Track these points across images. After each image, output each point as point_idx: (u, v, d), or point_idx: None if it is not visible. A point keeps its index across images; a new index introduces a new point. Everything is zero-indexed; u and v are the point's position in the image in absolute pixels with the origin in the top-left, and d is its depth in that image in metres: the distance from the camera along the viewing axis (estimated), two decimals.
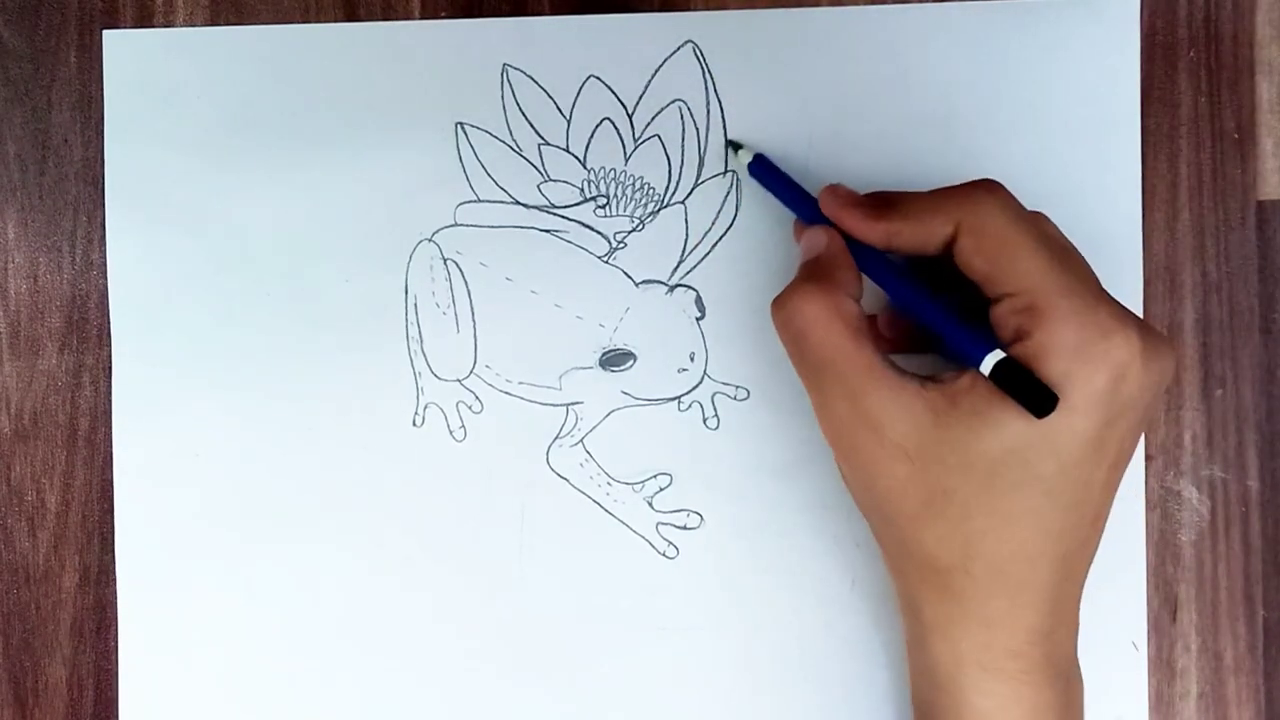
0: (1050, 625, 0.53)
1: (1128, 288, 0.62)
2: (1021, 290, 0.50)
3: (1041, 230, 0.52)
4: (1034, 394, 0.48)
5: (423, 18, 0.63)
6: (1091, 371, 0.49)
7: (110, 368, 0.63)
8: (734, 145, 0.62)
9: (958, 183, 0.54)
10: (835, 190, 0.56)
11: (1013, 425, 0.50)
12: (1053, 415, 0.49)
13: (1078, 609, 0.55)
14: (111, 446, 0.63)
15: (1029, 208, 0.52)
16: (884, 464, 0.52)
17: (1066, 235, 0.53)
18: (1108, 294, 0.51)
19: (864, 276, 0.55)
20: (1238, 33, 0.63)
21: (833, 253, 0.55)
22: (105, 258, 0.63)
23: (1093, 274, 0.52)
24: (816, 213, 0.57)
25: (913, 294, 0.54)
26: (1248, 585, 0.62)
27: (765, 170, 0.60)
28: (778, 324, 0.54)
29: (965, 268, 0.52)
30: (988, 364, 0.49)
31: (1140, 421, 0.52)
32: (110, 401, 0.63)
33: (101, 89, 0.63)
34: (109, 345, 0.63)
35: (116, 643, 0.63)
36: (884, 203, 0.55)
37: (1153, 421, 0.62)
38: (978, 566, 0.52)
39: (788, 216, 0.61)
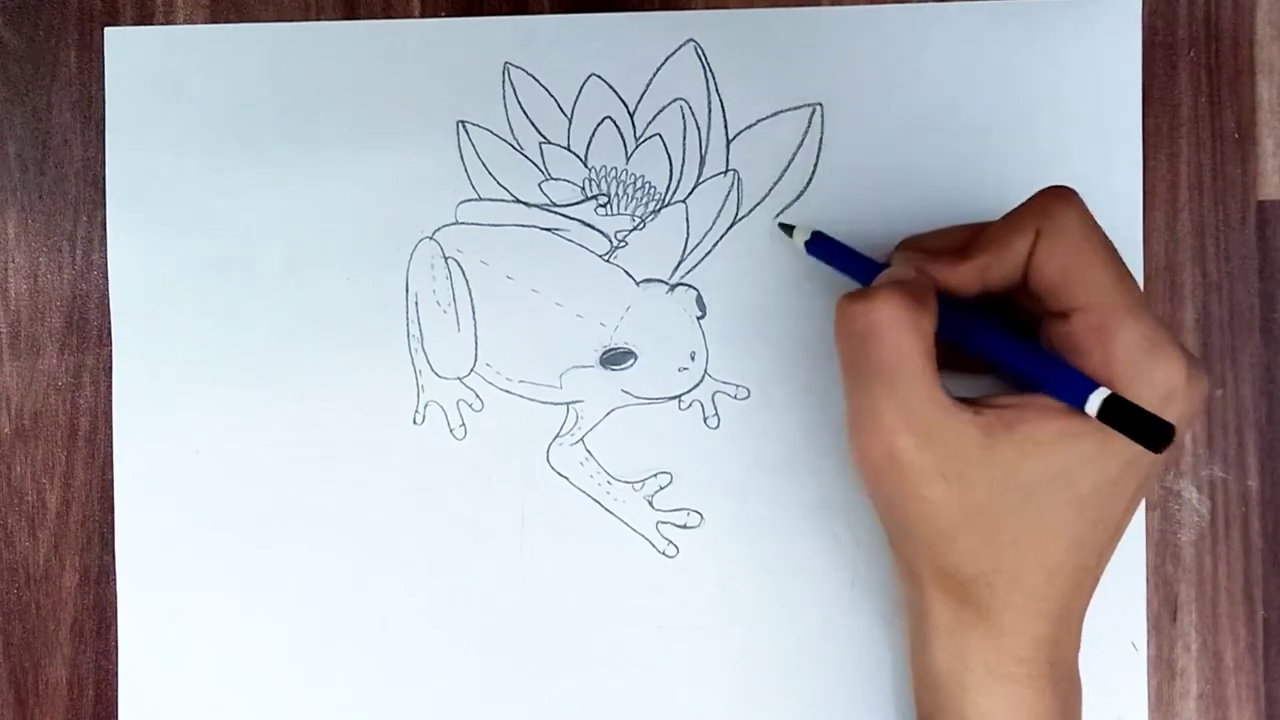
0: (1058, 634, 0.53)
1: None
2: (1092, 305, 0.50)
3: (1110, 245, 0.52)
4: (1147, 427, 0.48)
5: (422, 16, 0.63)
6: (1147, 393, 0.49)
7: (110, 368, 0.63)
8: (786, 228, 0.61)
9: (1029, 194, 0.54)
10: (908, 248, 0.56)
11: (1067, 450, 0.50)
12: (1110, 445, 0.50)
13: (1083, 619, 0.55)
14: (111, 446, 0.63)
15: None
16: (921, 485, 0.51)
17: None
18: (1155, 316, 0.51)
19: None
20: (1238, 33, 0.63)
21: (922, 282, 0.53)
22: (105, 258, 0.63)
23: (1141, 291, 0.52)
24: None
25: (1001, 340, 0.53)
26: (1248, 585, 0.62)
27: (825, 245, 0.60)
28: (846, 315, 0.52)
29: (1036, 276, 0.52)
30: (1094, 403, 0.49)
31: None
32: (110, 401, 0.63)
33: (101, 89, 0.63)
34: (109, 345, 0.63)
35: (116, 643, 0.63)
36: (961, 244, 0.54)
37: None
38: (1000, 578, 0.52)
39: (786, 215, 0.62)
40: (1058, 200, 0.52)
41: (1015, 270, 0.52)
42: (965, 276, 0.53)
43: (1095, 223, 0.52)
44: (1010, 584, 0.52)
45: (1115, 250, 0.52)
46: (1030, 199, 0.53)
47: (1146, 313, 0.51)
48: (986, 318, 0.54)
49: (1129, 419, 0.48)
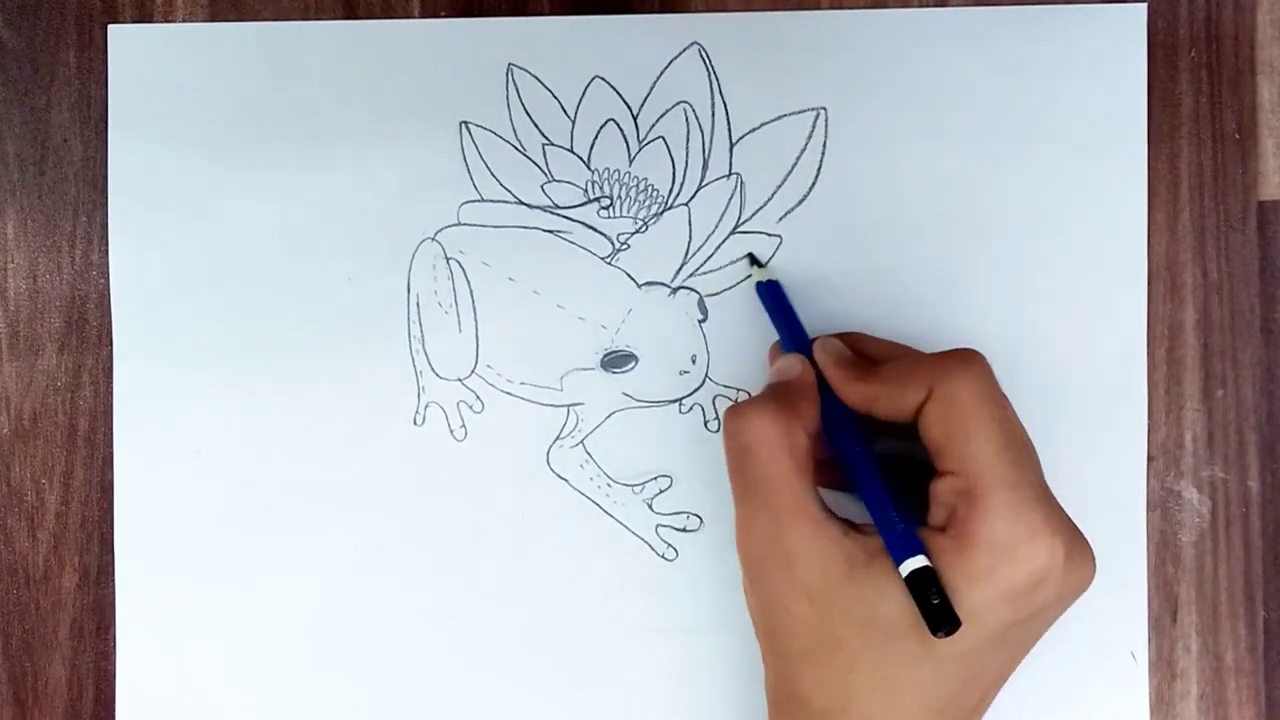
0: None
1: (1130, 289, 0.62)
2: (965, 473, 0.51)
3: (1004, 415, 0.52)
4: (939, 610, 0.48)
5: (422, 16, 0.63)
6: (1011, 571, 0.49)
7: (110, 368, 0.63)
8: (755, 260, 0.62)
9: (937, 350, 0.55)
10: (828, 343, 0.57)
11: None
12: (966, 601, 0.49)
13: None
14: (111, 447, 0.63)
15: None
16: (785, 598, 0.52)
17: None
18: (1048, 492, 0.52)
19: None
20: (1239, 33, 0.63)
21: (802, 383, 0.56)
22: (105, 258, 0.63)
23: (1039, 469, 0.52)
24: (800, 346, 0.59)
25: (859, 462, 0.54)
26: (1248, 586, 0.62)
27: (772, 296, 0.61)
28: (728, 432, 0.54)
29: (924, 433, 0.53)
30: (906, 568, 0.49)
31: (1047, 624, 0.52)
32: (110, 401, 0.63)
33: (101, 88, 0.63)
34: (109, 345, 0.63)
35: (116, 643, 0.63)
36: (868, 367, 0.56)
37: (1154, 421, 0.62)
38: (852, 718, 0.51)
39: (789, 219, 0.61)
40: (956, 364, 0.53)
41: (903, 415, 0.54)
42: (854, 395, 0.55)
43: (991, 390, 0.52)
44: None
45: (1010, 421, 0.52)
46: (934, 355, 0.54)
47: (1028, 489, 0.51)
48: (861, 436, 0.55)
49: (930, 597, 0.49)
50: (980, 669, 0.51)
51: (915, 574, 0.49)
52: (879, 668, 0.51)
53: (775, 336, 0.60)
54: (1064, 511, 0.51)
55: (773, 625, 0.53)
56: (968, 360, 0.53)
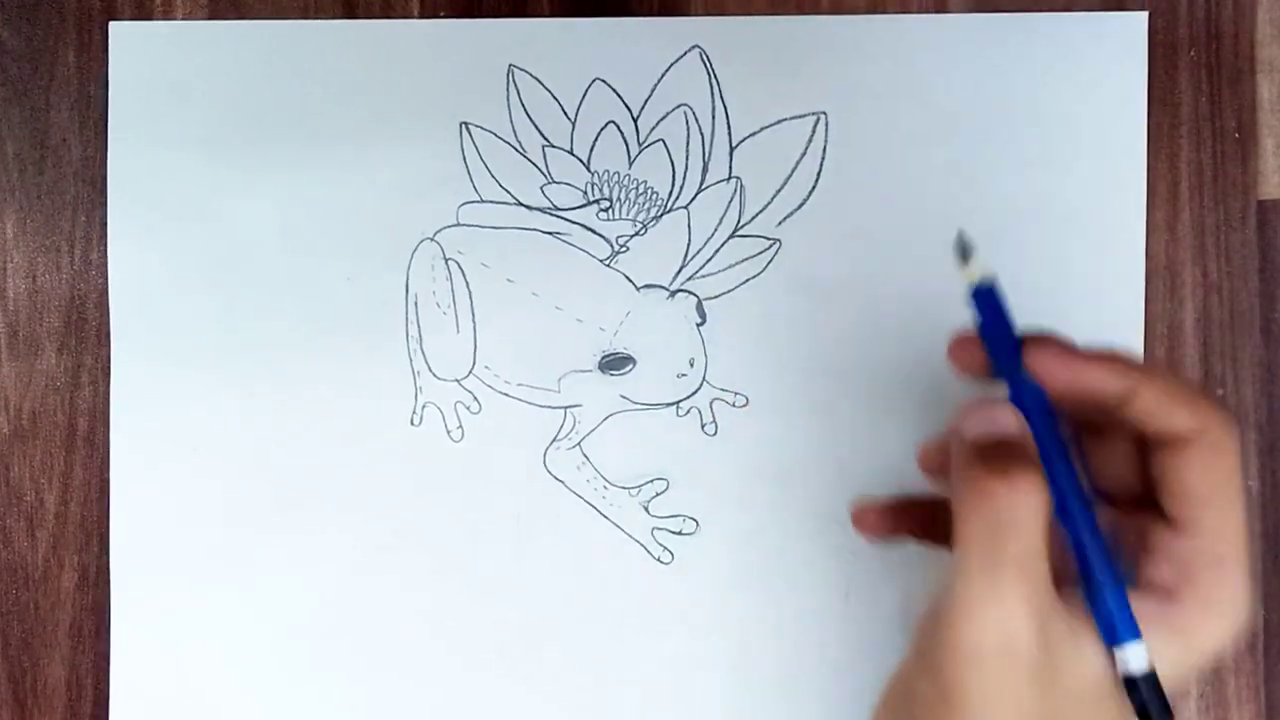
0: None
1: (1130, 288, 0.62)
2: (1224, 539, 0.47)
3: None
4: (1154, 711, 0.45)
5: (421, 16, 0.63)
6: (1225, 633, 0.47)
7: (109, 368, 0.63)
8: (964, 250, 0.50)
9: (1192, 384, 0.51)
10: (1062, 346, 0.49)
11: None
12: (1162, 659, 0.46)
13: None
14: (110, 446, 0.63)
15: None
16: (1015, 686, 0.46)
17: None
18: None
19: None
20: (1238, 32, 0.63)
21: (1028, 440, 0.48)
22: (104, 258, 0.63)
23: None
24: (1015, 378, 0.49)
25: (1091, 539, 0.47)
26: None
27: (990, 304, 0.50)
28: (987, 494, 0.46)
29: (1177, 480, 0.47)
30: (1133, 665, 0.45)
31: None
32: (109, 402, 0.63)
33: (101, 88, 0.63)
34: (108, 345, 0.63)
35: (111, 642, 0.63)
36: (1131, 364, 0.48)
37: None
38: None
39: (789, 223, 0.62)
40: (1229, 416, 0.47)
41: (1152, 427, 0.47)
42: (1112, 384, 0.47)
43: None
44: None
45: None
46: (1202, 393, 0.48)
47: (1245, 566, 0.47)
48: (1086, 496, 0.48)
49: (1144, 695, 0.45)
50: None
51: (1143, 679, 0.45)
52: None
53: (775, 339, 0.60)
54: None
55: (980, 710, 0.47)
56: (1232, 419, 0.48)
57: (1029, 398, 0.48)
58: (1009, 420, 0.48)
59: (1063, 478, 0.47)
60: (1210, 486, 0.46)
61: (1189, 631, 0.46)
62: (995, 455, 0.47)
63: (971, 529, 0.47)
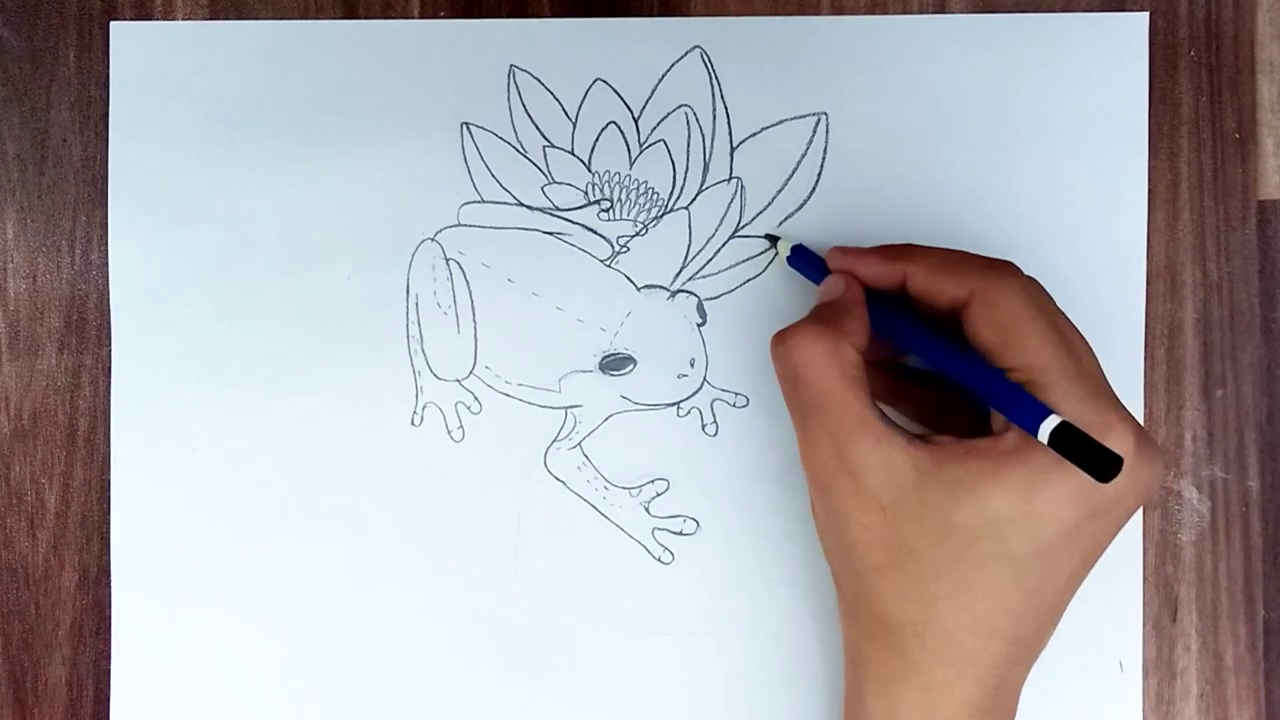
0: (991, 703, 0.53)
1: (1130, 288, 0.62)
2: (1028, 366, 0.51)
3: (1054, 318, 0.52)
4: (1095, 458, 0.47)
5: (422, 17, 0.63)
6: (1052, 458, 0.50)
7: (109, 368, 0.63)
8: (771, 239, 0.62)
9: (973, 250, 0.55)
10: (843, 247, 0.58)
11: (996, 500, 0.50)
12: (1037, 497, 0.49)
13: (1019, 692, 0.54)
14: (110, 446, 0.63)
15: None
16: (856, 512, 0.52)
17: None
18: (1111, 390, 0.52)
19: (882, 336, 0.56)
20: (1239, 32, 0.63)
21: (846, 300, 0.55)
22: (104, 258, 0.63)
23: (1100, 369, 0.53)
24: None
25: (953, 355, 0.53)
26: (1248, 585, 0.62)
27: (804, 259, 0.60)
28: (775, 358, 0.54)
29: (973, 335, 0.53)
30: (1045, 429, 0.48)
31: (1119, 521, 0.52)
32: (109, 402, 0.63)
33: (101, 88, 0.63)
34: (108, 345, 0.63)
35: (112, 642, 0.63)
36: (899, 250, 0.56)
37: (1154, 420, 0.62)
38: (930, 631, 0.52)
39: (789, 224, 0.62)
40: (999, 269, 0.53)
41: (931, 300, 0.55)
42: (886, 274, 0.56)
43: (1039, 295, 0.53)
44: (941, 641, 0.52)
45: (1062, 319, 0.53)
46: (974, 256, 0.55)
47: (1093, 384, 0.51)
48: (935, 329, 0.55)
49: (1079, 448, 0.48)
50: (1055, 569, 0.51)
51: (1059, 430, 0.48)
52: (957, 576, 0.51)
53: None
54: (1126, 410, 0.51)
55: (846, 541, 0.53)
56: (1009, 269, 0.53)
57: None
58: (837, 286, 0.57)
59: (914, 332, 0.55)
60: (996, 333, 0.52)
61: (1015, 458, 0.50)
62: (829, 314, 0.55)
63: (781, 387, 0.55)
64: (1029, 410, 0.49)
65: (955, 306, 0.54)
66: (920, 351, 0.55)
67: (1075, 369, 0.51)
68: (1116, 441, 0.49)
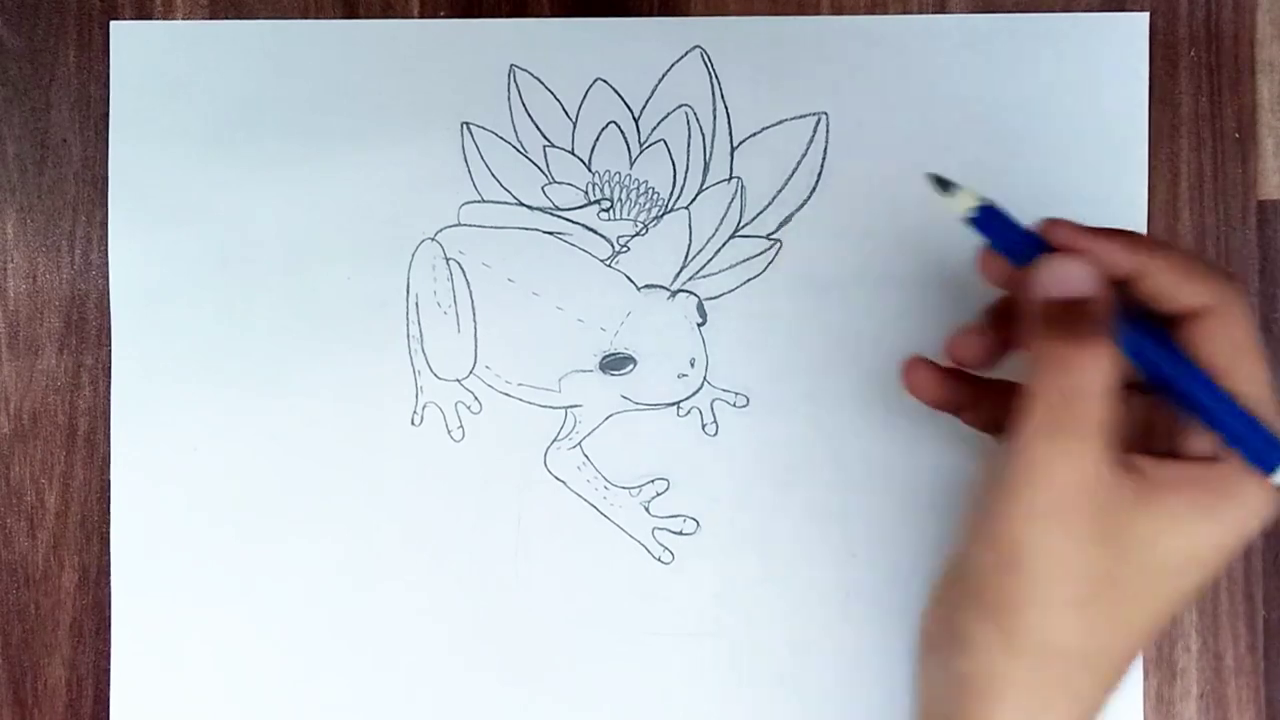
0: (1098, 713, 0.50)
1: None
2: (1249, 396, 0.48)
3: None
4: None
5: (422, 16, 0.63)
6: (1269, 500, 0.48)
7: (109, 368, 0.63)
8: (943, 183, 0.52)
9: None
10: (1069, 223, 0.50)
11: (1206, 538, 0.48)
12: (1237, 539, 0.48)
13: None
14: (110, 446, 0.63)
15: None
16: (1078, 538, 0.47)
17: None
18: None
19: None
20: (1239, 32, 0.63)
21: (1102, 299, 0.48)
22: (104, 258, 0.63)
23: None
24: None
25: (1191, 372, 0.49)
26: (1248, 585, 0.62)
27: (994, 220, 0.51)
28: (1059, 362, 0.48)
29: (1200, 350, 0.49)
30: None
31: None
32: (109, 402, 0.63)
33: (101, 87, 0.63)
34: (108, 345, 0.63)
35: (112, 642, 0.63)
36: (1140, 240, 0.50)
37: None
38: (1102, 660, 0.49)
39: (789, 224, 0.62)
40: (1239, 285, 0.49)
41: (1160, 302, 0.49)
42: (1124, 260, 0.49)
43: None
44: (1109, 667, 0.49)
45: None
46: (1213, 266, 0.50)
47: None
48: (1174, 349, 0.50)
49: None
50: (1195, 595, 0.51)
51: None
52: (1148, 602, 0.48)
53: (775, 339, 0.60)
54: None
55: (1047, 568, 0.47)
56: (1244, 286, 0.51)
57: None
58: (1082, 276, 0.49)
59: (1142, 333, 0.49)
60: (1228, 356, 0.48)
61: (1232, 495, 0.48)
62: (1067, 318, 0.48)
63: (1039, 395, 0.48)
64: (1269, 448, 0.48)
65: (1184, 314, 0.49)
66: (1142, 360, 0.49)
67: (1273, 406, 0.49)
68: None
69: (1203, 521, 0.48)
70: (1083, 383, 0.47)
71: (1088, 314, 0.48)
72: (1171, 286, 0.49)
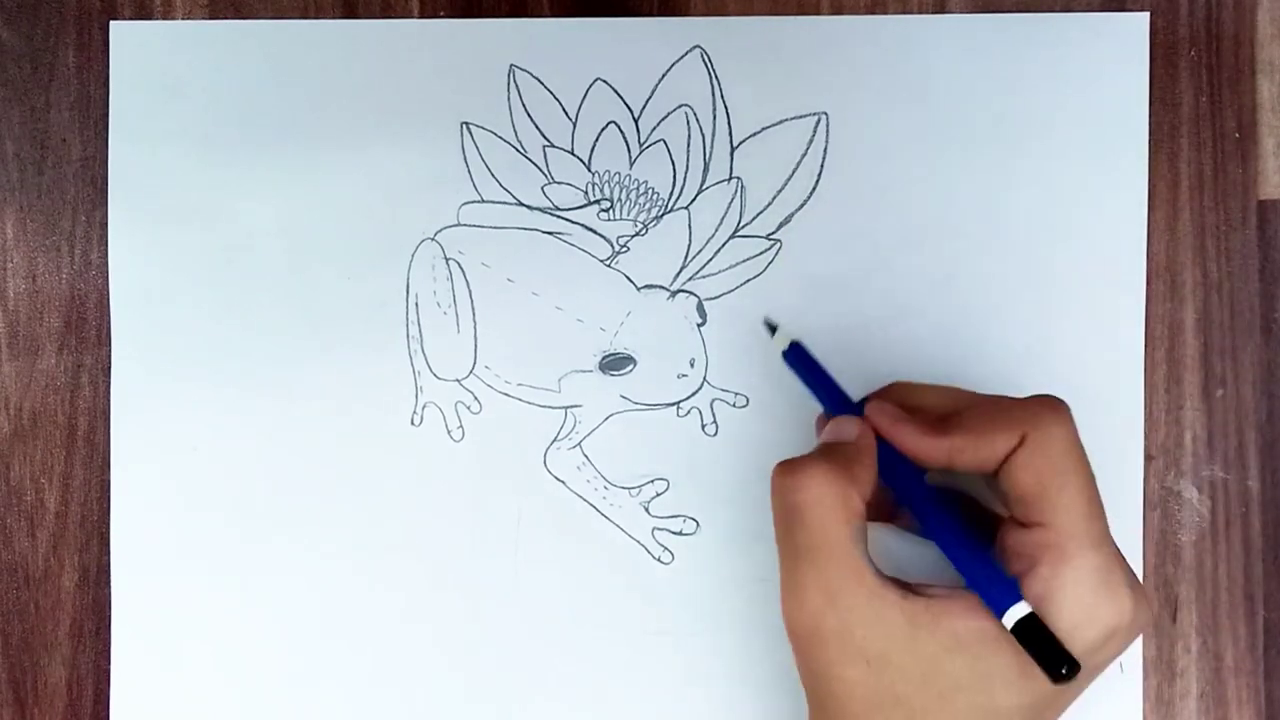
0: None
1: (1130, 288, 0.62)
2: (1057, 527, 0.49)
3: (1089, 468, 0.51)
4: (1053, 655, 0.47)
5: (421, 16, 0.63)
6: (1090, 631, 0.49)
7: (109, 367, 0.63)
8: (771, 326, 0.58)
9: (1018, 396, 0.53)
10: (884, 406, 0.53)
11: (992, 661, 0.49)
12: (1034, 665, 0.48)
13: None
14: (110, 446, 0.63)
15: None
16: (839, 665, 0.50)
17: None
18: (1116, 545, 0.51)
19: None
20: (1239, 32, 0.63)
21: (860, 447, 0.53)
22: (104, 258, 0.63)
23: (1106, 523, 0.51)
24: (845, 409, 0.55)
25: (941, 522, 0.52)
26: (1248, 585, 0.62)
27: (801, 360, 0.57)
28: (777, 489, 0.52)
29: (1009, 481, 0.51)
30: (1011, 618, 0.48)
31: (1102, 669, 0.52)
32: (109, 401, 0.63)
33: (101, 87, 0.63)
34: (108, 345, 0.63)
35: (112, 642, 0.63)
36: (941, 420, 0.53)
37: (1153, 421, 0.62)
38: None
39: (789, 224, 0.62)
40: (1050, 411, 0.51)
41: (988, 464, 0.51)
42: (934, 451, 0.52)
43: (1079, 441, 0.51)
44: None
45: (1092, 475, 0.51)
46: (1023, 400, 0.52)
47: (1108, 547, 0.50)
48: (932, 493, 0.53)
49: (1040, 642, 0.48)
50: (1038, 716, 0.51)
51: (1023, 622, 0.48)
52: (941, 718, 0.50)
53: (772, 343, 0.60)
54: (1127, 562, 0.51)
55: (826, 691, 0.51)
56: (1058, 408, 0.51)
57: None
58: (850, 430, 0.53)
59: (906, 477, 0.53)
60: (1036, 486, 0.50)
61: (1056, 625, 0.49)
62: (794, 459, 0.52)
63: (774, 520, 0.53)
64: (1000, 592, 0.49)
65: (1007, 456, 0.51)
66: (914, 510, 0.53)
67: (1098, 534, 0.50)
68: (1118, 612, 0.49)
69: (988, 648, 0.49)
70: (801, 510, 0.51)
71: (851, 453, 0.52)
72: (983, 449, 0.51)
